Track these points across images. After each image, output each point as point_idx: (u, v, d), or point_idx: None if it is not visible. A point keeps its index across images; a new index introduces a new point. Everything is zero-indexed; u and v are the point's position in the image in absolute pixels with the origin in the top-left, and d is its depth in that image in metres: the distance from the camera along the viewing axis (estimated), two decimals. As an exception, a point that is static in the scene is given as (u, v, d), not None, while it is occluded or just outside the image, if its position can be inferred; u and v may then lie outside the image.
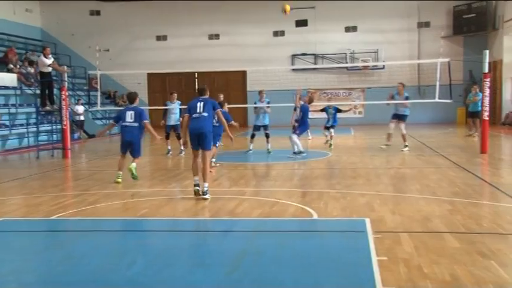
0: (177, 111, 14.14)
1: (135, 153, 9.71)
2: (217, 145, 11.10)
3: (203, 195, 7.73)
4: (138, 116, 9.60)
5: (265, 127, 13.97)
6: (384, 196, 7.70)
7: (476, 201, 7.19)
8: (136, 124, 9.54)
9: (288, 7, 14.46)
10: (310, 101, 13.44)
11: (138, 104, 10.20)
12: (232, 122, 11.27)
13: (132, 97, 9.99)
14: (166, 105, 14.65)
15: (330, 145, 14.71)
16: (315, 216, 6.54)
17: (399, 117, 13.86)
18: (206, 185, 7.79)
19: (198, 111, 7.97)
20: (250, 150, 13.82)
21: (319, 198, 7.61)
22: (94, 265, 4.79)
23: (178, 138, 13.99)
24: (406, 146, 13.64)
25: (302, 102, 12.87)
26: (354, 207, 7.02)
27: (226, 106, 11.84)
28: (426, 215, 6.39)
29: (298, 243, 5.44)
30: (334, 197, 7.68)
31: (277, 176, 10.09)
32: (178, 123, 14.02)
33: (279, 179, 9.65)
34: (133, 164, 9.61)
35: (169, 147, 14.13)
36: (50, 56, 15.21)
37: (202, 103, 8.05)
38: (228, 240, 5.85)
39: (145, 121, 9.67)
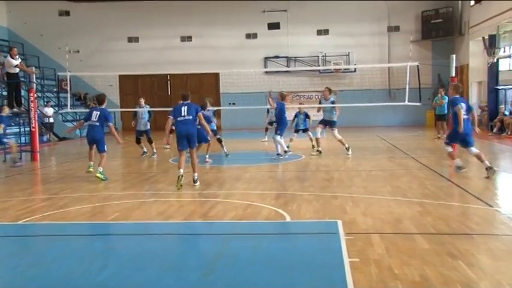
0: (146, 115, 14.22)
1: (100, 149, 10.35)
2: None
3: (194, 183, 9.09)
4: (103, 117, 10.29)
5: (215, 132, 13.42)
6: (356, 198, 7.79)
7: (446, 203, 7.35)
8: (98, 124, 10.26)
9: None
10: (283, 97, 13.30)
11: (106, 105, 10.65)
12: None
13: (100, 99, 10.67)
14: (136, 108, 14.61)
15: (314, 146, 14.02)
16: (288, 219, 6.57)
17: (329, 124, 13.37)
18: (196, 174, 9.18)
19: (182, 114, 9.06)
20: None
21: (293, 201, 7.65)
22: (64, 270, 4.70)
23: (150, 142, 13.97)
24: (348, 148, 13.34)
25: (276, 102, 13.03)
26: (327, 209, 7.09)
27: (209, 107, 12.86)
28: (397, 217, 6.50)
29: (272, 246, 5.46)
30: (307, 200, 7.74)
31: (250, 178, 10.10)
32: (148, 128, 14.24)
33: (253, 182, 9.66)
34: (99, 169, 10.09)
35: (144, 149, 14.19)
36: (17, 56, 14.88)
37: (186, 107, 9.11)
38: (201, 243, 5.83)
39: (110, 124, 10.43)
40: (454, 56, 13.25)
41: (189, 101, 9.28)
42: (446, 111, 16.62)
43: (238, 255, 5.08)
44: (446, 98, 16.04)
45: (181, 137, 9.04)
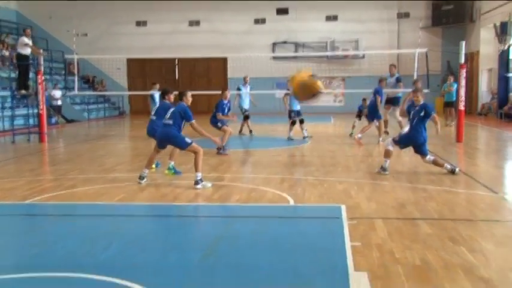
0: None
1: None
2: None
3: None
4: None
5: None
6: (361, 183, 7.79)
7: (451, 189, 7.33)
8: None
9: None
10: (381, 82, 13.78)
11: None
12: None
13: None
14: (150, 93, 15.12)
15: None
16: (292, 203, 6.59)
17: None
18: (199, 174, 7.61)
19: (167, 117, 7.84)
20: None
21: (297, 185, 7.66)
22: (68, 249, 4.76)
23: None
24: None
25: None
26: (331, 194, 7.09)
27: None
28: (401, 202, 6.50)
29: (274, 229, 5.48)
30: (312, 184, 7.75)
31: (256, 162, 10.11)
32: None
33: (258, 166, 9.67)
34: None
35: None
36: (29, 38, 15.00)
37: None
38: (204, 225, 5.87)
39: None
40: (463, 42, 13.07)
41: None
42: (454, 99, 16.47)
43: (240, 237, 5.11)
44: (455, 84, 15.88)
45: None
